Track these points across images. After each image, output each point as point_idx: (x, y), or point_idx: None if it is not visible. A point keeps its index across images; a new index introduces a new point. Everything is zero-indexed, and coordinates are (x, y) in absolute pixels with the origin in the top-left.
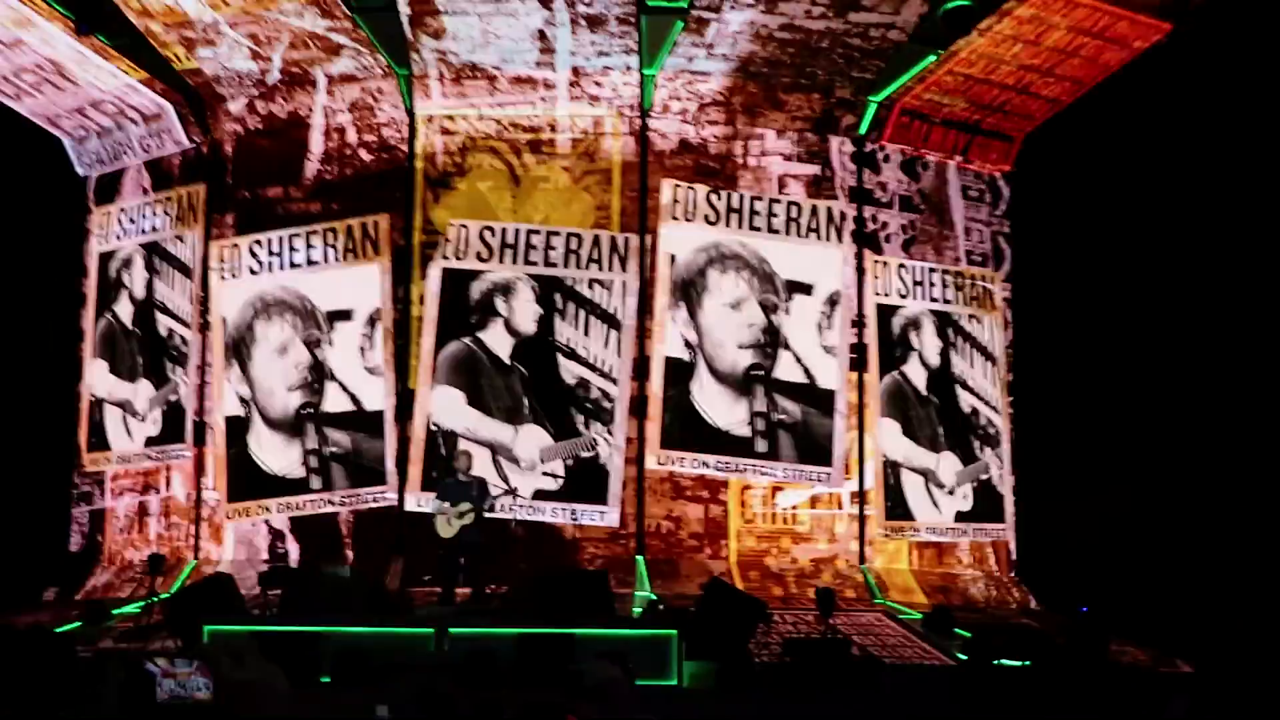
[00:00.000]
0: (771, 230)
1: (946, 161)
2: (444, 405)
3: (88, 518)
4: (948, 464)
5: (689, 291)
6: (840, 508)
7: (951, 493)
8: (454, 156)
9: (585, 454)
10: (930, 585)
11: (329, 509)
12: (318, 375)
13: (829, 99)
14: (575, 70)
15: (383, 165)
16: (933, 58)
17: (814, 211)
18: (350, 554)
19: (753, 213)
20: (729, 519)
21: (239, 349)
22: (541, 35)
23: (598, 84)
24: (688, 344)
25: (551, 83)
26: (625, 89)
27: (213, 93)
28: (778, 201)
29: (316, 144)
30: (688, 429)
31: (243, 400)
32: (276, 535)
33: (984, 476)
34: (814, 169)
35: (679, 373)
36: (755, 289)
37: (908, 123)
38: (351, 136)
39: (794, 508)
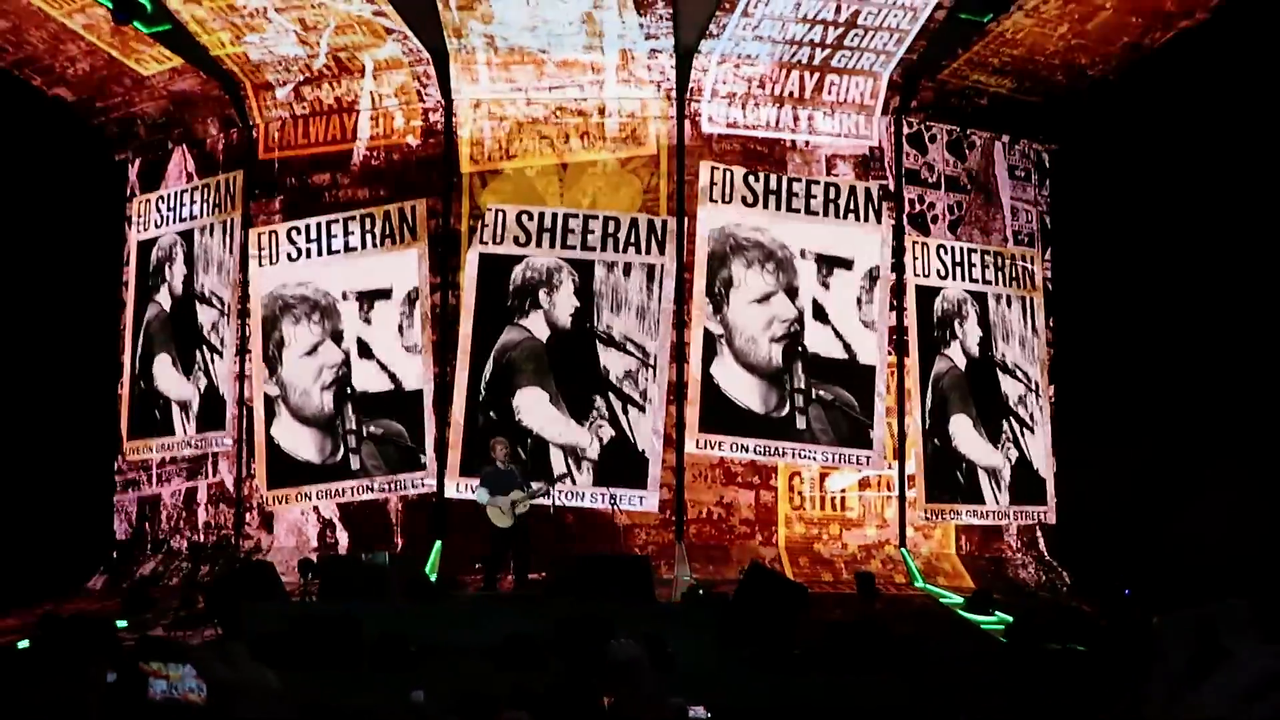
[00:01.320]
0: (810, 212)
1: (994, 141)
2: (530, 406)
3: (135, 505)
4: (999, 454)
5: (714, 286)
6: (890, 490)
7: (999, 484)
8: (501, 142)
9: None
10: (978, 569)
11: (369, 495)
12: (349, 365)
13: (875, 80)
14: (623, 53)
15: (430, 151)
16: (978, 37)
17: (852, 192)
18: (400, 541)
19: (790, 194)
20: (778, 504)
21: (267, 349)
22: (589, 18)
23: (646, 67)
24: (710, 333)
25: (599, 66)
26: (673, 72)
27: (258, 79)
28: (816, 183)
29: (363, 130)
30: (723, 413)
31: (270, 398)
32: (326, 524)
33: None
34: (861, 150)
35: (706, 353)
36: (780, 280)
37: (955, 102)
38: (399, 122)
39: (843, 491)
